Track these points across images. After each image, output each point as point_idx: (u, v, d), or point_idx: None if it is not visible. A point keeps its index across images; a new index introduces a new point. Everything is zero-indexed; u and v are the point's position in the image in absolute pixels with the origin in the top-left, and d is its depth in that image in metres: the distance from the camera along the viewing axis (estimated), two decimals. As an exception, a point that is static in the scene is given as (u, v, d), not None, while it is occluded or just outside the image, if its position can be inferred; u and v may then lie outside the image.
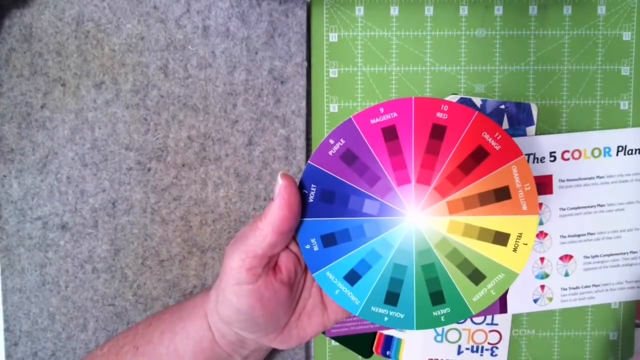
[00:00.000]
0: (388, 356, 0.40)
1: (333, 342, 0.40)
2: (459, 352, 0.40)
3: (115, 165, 0.38)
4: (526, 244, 0.29)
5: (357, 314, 0.31)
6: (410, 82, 0.39)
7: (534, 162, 0.39)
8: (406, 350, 0.39)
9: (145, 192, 0.38)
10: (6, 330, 0.39)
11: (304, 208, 0.30)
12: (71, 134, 0.38)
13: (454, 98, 0.38)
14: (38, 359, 0.39)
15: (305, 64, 0.38)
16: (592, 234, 0.39)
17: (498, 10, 0.38)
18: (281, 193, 0.28)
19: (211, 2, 0.38)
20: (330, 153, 0.29)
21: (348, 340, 0.40)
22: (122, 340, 0.34)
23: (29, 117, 0.38)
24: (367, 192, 0.29)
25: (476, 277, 0.30)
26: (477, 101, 0.38)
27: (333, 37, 0.38)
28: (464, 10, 0.38)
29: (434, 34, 0.39)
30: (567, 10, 0.39)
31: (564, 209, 0.39)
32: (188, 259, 0.39)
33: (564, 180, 0.39)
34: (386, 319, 0.30)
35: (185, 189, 0.38)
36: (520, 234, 0.29)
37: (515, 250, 0.29)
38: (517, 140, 0.38)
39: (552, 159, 0.39)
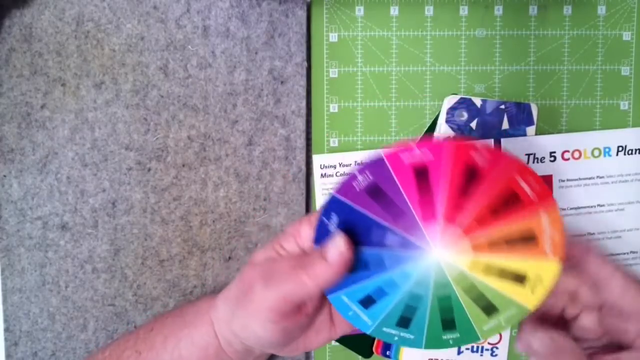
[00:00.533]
0: (388, 356, 0.40)
1: (333, 342, 0.40)
2: (459, 352, 0.40)
3: (115, 165, 0.38)
4: (544, 287, 0.29)
5: (368, 333, 0.31)
6: (410, 82, 0.39)
7: (534, 162, 0.39)
8: (406, 351, 0.39)
9: (145, 192, 0.38)
10: (6, 330, 0.39)
11: (324, 236, 0.29)
12: (71, 134, 0.38)
13: (454, 98, 0.38)
14: (38, 359, 0.39)
15: (305, 64, 0.38)
16: (592, 234, 0.39)
17: (498, 10, 0.38)
18: (339, 261, 0.28)
19: (211, 2, 0.38)
20: (356, 186, 0.28)
21: (348, 340, 0.40)
22: (124, 345, 0.34)
23: (29, 117, 0.38)
24: (390, 226, 0.29)
25: (489, 309, 0.29)
26: (477, 101, 0.38)
27: (333, 37, 0.38)
28: (464, 10, 0.38)
29: (434, 34, 0.39)
30: (567, 10, 0.39)
31: (564, 209, 0.39)
32: (188, 259, 0.39)
33: (564, 180, 0.39)
34: (396, 338, 0.31)
35: (185, 189, 0.38)
36: (540, 276, 0.28)
37: (532, 291, 0.29)
38: (517, 140, 0.38)
39: (552, 159, 0.39)
